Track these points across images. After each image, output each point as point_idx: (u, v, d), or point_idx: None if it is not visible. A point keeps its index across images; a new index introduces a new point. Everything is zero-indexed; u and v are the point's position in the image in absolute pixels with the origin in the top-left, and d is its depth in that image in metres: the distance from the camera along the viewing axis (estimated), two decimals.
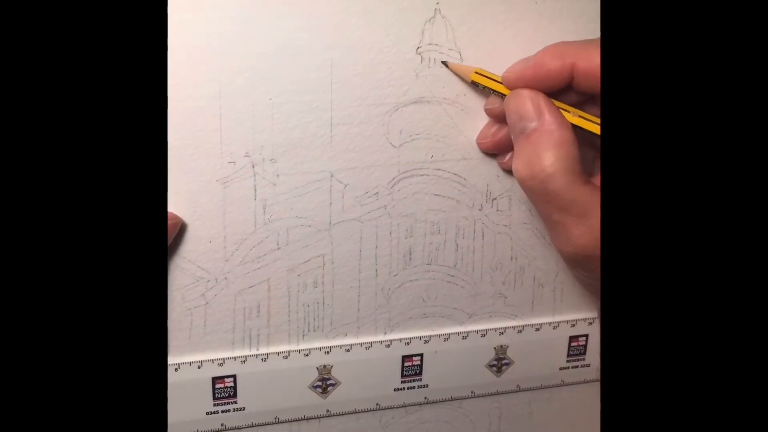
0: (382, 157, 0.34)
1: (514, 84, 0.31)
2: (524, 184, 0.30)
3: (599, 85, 0.30)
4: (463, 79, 0.34)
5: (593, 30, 0.35)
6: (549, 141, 0.29)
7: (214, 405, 0.35)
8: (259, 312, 0.34)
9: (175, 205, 0.32)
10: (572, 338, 0.39)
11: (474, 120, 0.35)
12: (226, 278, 0.33)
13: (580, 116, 0.31)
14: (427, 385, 0.38)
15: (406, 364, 0.37)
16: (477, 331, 0.38)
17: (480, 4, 0.33)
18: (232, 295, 0.34)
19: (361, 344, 0.36)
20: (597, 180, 0.32)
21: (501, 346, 0.38)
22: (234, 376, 0.35)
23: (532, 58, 0.31)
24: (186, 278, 0.33)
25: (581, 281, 0.34)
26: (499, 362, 0.38)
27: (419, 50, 0.33)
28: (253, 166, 0.32)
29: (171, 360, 0.34)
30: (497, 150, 0.35)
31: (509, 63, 0.34)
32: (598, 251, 0.29)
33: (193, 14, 0.30)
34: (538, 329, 0.38)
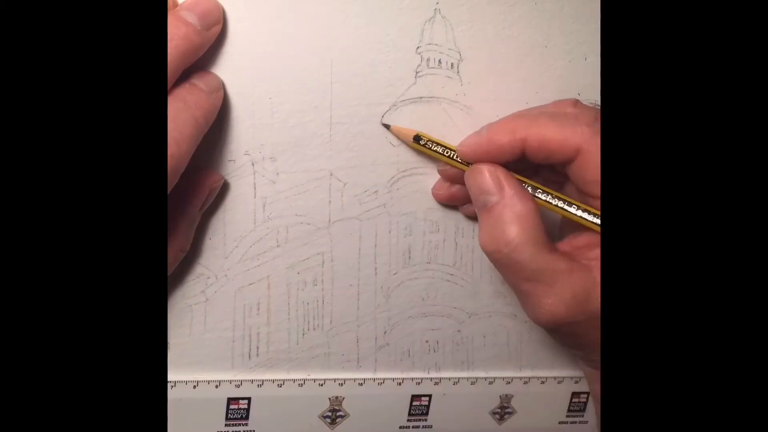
0: (381, 156, 0.34)
1: (469, 158, 0.31)
2: (491, 257, 0.30)
3: (550, 156, 0.30)
4: (403, 141, 0.34)
5: (593, 30, 0.35)
6: (511, 214, 0.29)
7: (226, 425, 0.35)
8: (258, 309, 0.34)
9: None
10: (574, 394, 0.39)
11: (474, 119, 0.35)
12: (225, 275, 0.34)
13: (540, 190, 0.31)
14: (431, 426, 0.38)
15: (414, 403, 0.37)
16: (485, 378, 0.38)
17: (480, 4, 0.33)
18: (232, 292, 0.34)
19: (374, 380, 0.36)
20: (562, 245, 0.32)
21: (506, 395, 0.38)
22: (249, 399, 0.35)
23: (483, 133, 0.31)
24: (186, 274, 0.33)
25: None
26: (503, 410, 0.38)
27: (419, 50, 0.33)
28: (253, 164, 0.33)
29: (189, 376, 0.34)
30: (453, 202, 0.35)
31: (509, 64, 0.34)
32: (568, 319, 0.29)
33: None
34: (543, 382, 0.38)
